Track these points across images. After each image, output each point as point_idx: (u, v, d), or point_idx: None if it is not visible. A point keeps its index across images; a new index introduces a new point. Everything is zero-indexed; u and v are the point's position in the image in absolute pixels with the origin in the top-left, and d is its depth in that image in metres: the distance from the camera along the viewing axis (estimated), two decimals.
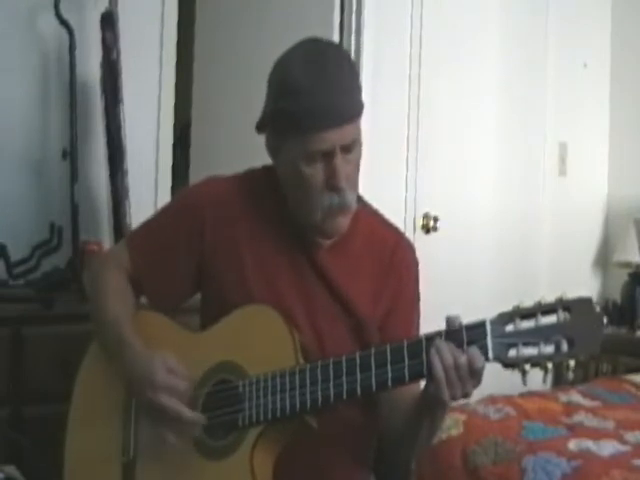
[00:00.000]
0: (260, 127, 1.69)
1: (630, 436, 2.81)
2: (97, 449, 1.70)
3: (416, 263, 1.78)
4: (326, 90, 1.57)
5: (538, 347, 1.38)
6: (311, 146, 1.58)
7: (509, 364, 1.40)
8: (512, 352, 1.40)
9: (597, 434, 2.81)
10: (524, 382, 1.40)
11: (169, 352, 1.62)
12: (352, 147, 1.61)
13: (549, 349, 1.38)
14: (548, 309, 1.39)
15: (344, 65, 1.63)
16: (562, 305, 1.39)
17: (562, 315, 1.38)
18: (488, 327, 1.41)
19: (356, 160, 1.64)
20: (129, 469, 1.66)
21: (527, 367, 1.39)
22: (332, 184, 1.60)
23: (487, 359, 1.41)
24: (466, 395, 1.45)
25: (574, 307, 1.38)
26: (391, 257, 1.73)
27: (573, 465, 2.55)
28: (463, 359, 1.41)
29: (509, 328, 1.40)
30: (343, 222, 1.66)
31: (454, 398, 1.45)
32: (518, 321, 1.40)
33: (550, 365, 1.38)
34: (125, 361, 1.65)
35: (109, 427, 1.69)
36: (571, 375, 1.39)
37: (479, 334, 1.41)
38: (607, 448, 2.67)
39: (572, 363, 1.38)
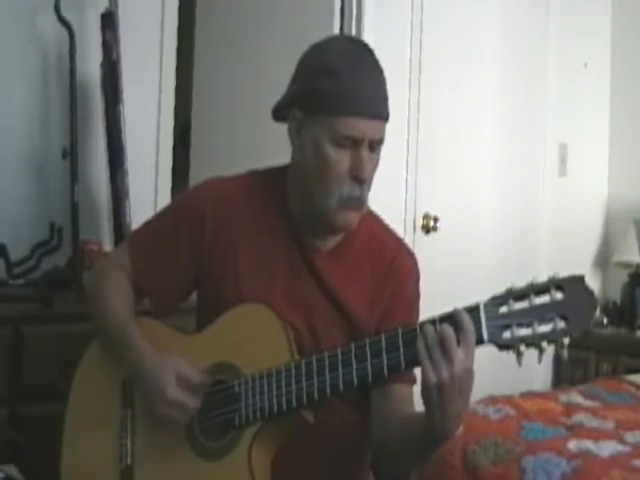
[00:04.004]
0: (279, 109, 1.68)
1: (630, 436, 2.81)
2: (94, 457, 1.70)
3: (417, 270, 1.77)
4: (366, 80, 1.59)
5: (532, 327, 1.38)
6: (343, 130, 1.57)
7: (504, 346, 1.39)
8: (506, 333, 1.39)
9: (597, 434, 2.81)
10: (519, 363, 1.39)
11: (179, 359, 1.61)
12: (377, 146, 1.62)
13: (543, 328, 1.37)
14: (541, 289, 1.39)
15: (379, 66, 1.65)
16: (554, 284, 1.39)
17: (555, 294, 1.38)
18: (482, 310, 1.40)
19: (376, 162, 1.64)
20: (127, 476, 1.66)
21: (522, 348, 1.38)
22: (356, 174, 1.60)
23: (482, 342, 1.40)
24: (452, 377, 1.37)
25: (566, 285, 1.38)
26: (391, 262, 1.73)
27: (573, 465, 2.55)
28: (449, 331, 1.38)
29: (503, 310, 1.40)
30: (355, 218, 1.65)
31: (439, 380, 1.38)
32: (512, 302, 1.40)
33: (545, 344, 1.37)
34: (131, 364, 1.65)
35: (106, 434, 1.69)
36: (566, 354, 1.36)
37: (473, 317, 1.40)
38: (607, 448, 2.67)
39: (567, 341, 1.37)
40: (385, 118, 1.63)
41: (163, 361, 1.61)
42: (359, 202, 1.63)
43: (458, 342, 1.38)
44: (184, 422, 1.59)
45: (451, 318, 1.41)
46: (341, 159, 1.59)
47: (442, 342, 1.39)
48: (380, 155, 1.65)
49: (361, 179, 1.60)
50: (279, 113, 1.70)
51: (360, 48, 1.65)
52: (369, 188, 1.65)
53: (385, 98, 1.64)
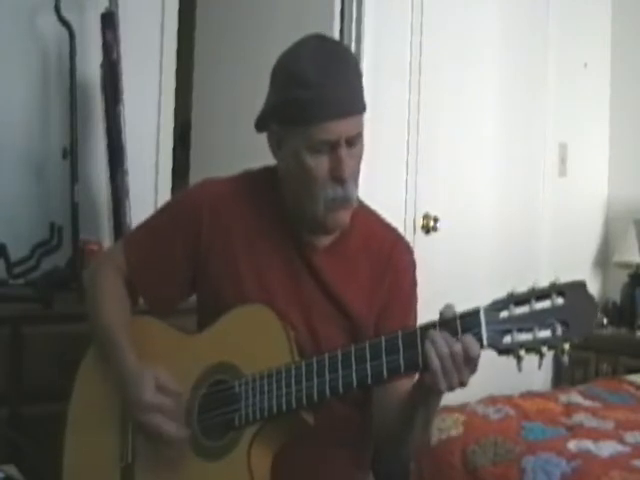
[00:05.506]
0: (260, 122, 1.69)
1: (630, 437, 2.81)
2: (95, 455, 1.70)
3: (414, 264, 1.77)
4: (335, 82, 1.58)
5: (533, 332, 1.38)
6: (317, 136, 1.58)
7: (504, 350, 1.40)
8: (507, 338, 1.40)
9: (597, 434, 2.81)
10: (519, 368, 1.39)
11: (161, 366, 1.62)
12: (356, 141, 1.62)
13: (544, 333, 1.38)
14: (542, 294, 1.39)
15: (351, 61, 1.66)
16: (556, 289, 1.39)
17: (556, 299, 1.38)
18: (482, 315, 1.41)
19: (359, 155, 1.64)
20: (127, 474, 1.66)
21: (522, 353, 1.38)
22: (337, 175, 1.60)
23: (482, 346, 1.41)
24: (462, 384, 1.43)
25: (567, 291, 1.38)
26: (388, 257, 1.73)
27: (573, 465, 2.55)
28: (458, 347, 1.40)
29: (503, 315, 1.40)
30: (345, 216, 1.66)
31: (450, 388, 1.43)
32: (512, 307, 1.40)
33: (545, 349, 1.38)
34: (118, 373, 1.66)
35: (107, 432, 1.69)
36: (566, 359, 1.37)
37: (473, 322, 1.41)
38: (607, 449, 2.67)
39: (567, 346, 1.37)
40: (360, 111, 1.63)
41: (142, 371, 1.62)
42: (345, 201, 1.63)
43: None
44: (165, 429, 1.57)
45: (449, 324, 1.43)
46: (320, 164, 1.60)
47: (454, 358, 1.41)
48: (363, 146, 1.64)
49: (342, 179, 1.61)
50: (261, 126, 1.70)
51: (330, 47, 1.65)
52: (356, 183, 1.65)
53: (359, 92, 1.63)
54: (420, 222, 3.72)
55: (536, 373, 4.02)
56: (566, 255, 4.24)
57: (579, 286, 1.39)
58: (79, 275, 2.45)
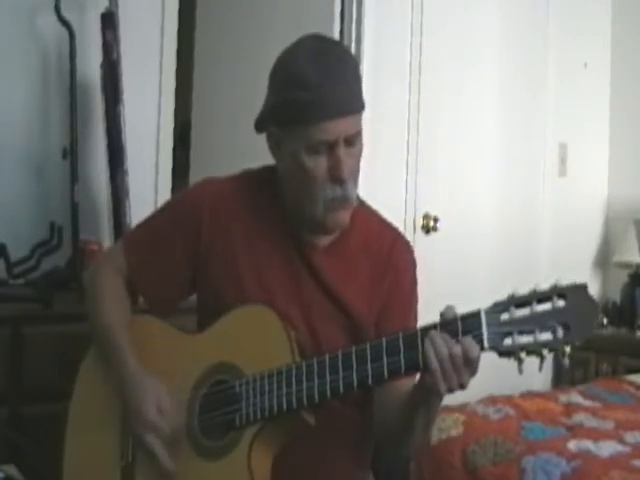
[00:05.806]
0: (260, 123, 1.69)
1: (630, 437, 2.81)
2: (96, 454, 1.71)
3: (414, 262, 1.78)
4: (333, 82, 1.58)
5: (533, 335, 1.38)
6: (316, 136, 1.58)
7: (504, 353, 1.40)
8: (507, 341, 1.40)
9: (597, 434, 2.81)
10: (520, 371, 1.39)
11: (162, 385, 1.63)
12: (355, 140, 1.62)
13: (544, 336, 1.38)
14: (543, 296, 1.39)
15: (349, 61, 1.65)
16: (557, 292, 1.39)
17: (557, 302, 1.38)
18: (483, 317, 1.41)
19: (358, 154, 1.64)
20: (128, 473, 1.66)
21: (523, 355, 1.38)
22: (335, 176, 1.60)
23: (482, 348, 1.41)
24: (462, 386, 1.44)
25: (568, 293, 1.38)
26: (388, 256, 1.73)
27: (572, 465, 2.55)
28: (457, 349, 1.41)
29: (504, 317, 1.41)
30: (344, 216, 1.66)
31: (450, 389, 1.44)
32: (513, 309, 1.40)
33: (546, 352, 1.38)
34: (118, 375, 1.66)
35: (107, 432, 1.70)
36: (567, 362, 1.38)
37: (474, 324, 1.41)
38: (607, 449, 2.67)
39: (568, 349, 1.37)
40: (359, 109, 1.63)
41: (144, 379, 1.63)
42: (344, 201, 1.63)
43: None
44: (158, 453, 1.58)
45: (450, 325, 1.43)
46: (318, 164, 1.60)
47: (453, 360, 1.41)
48: (362, 145, 1.64)
49: (341, 179, 1.60)
50: (260, 127, 1.70)
51: (328, 47, 1.64)
52: (355, 183, 1.65)
53: (357, 90, 1.63)
54: (420, 222, 3.73)
55: (536, 373, 4.00)
56: (566, 255, 4.24)
57: (580, 288, 1.39)
58: (79, 275, 2.45)
